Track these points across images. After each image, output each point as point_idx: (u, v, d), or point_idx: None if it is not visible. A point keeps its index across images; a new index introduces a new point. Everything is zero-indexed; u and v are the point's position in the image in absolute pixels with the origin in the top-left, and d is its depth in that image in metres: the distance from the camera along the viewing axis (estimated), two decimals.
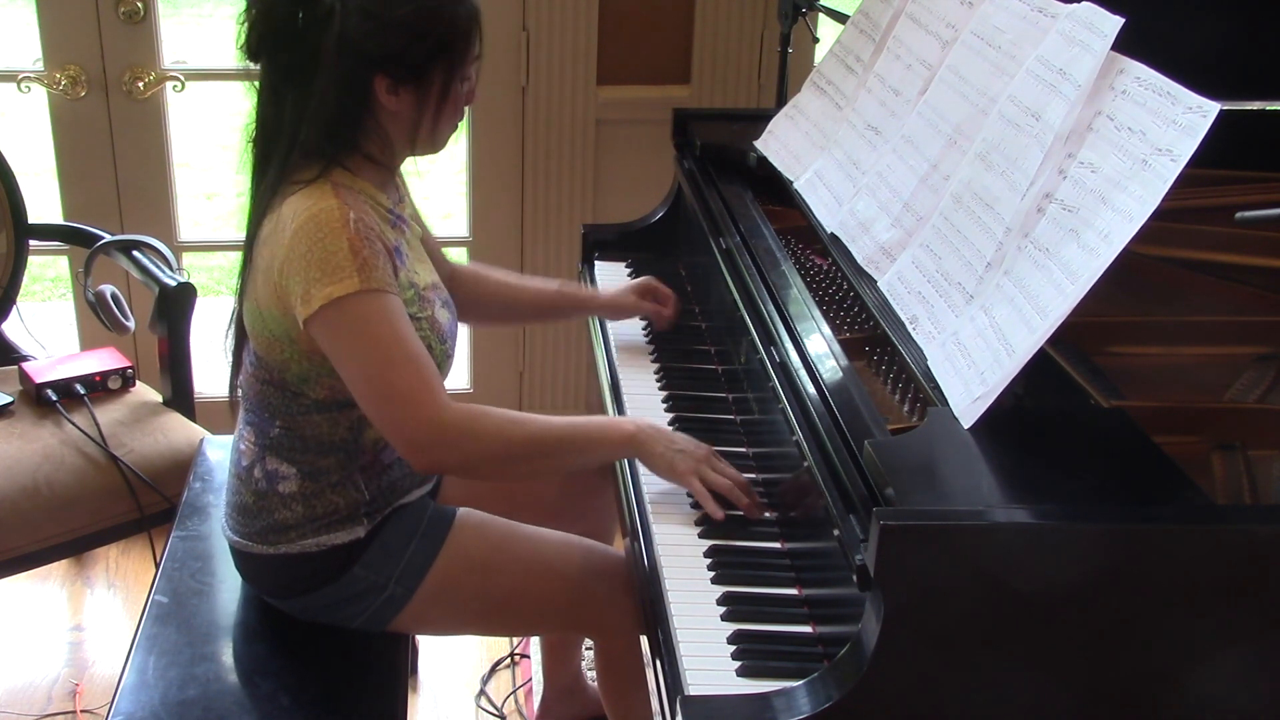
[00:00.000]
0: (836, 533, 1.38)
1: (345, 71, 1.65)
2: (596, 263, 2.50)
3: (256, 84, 1.72)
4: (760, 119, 2.32)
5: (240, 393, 1.84)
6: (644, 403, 2.01)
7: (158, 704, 1.69)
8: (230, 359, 1.86)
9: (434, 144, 1.78)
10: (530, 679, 2.57)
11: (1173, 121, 1.32)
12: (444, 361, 1.81)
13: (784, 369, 1.68)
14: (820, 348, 1.67)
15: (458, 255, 3.15)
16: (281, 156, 1.70)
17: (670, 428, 1.84)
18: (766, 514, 1.71)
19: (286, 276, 1.65)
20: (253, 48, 1.68)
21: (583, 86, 3.03)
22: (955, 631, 1.23)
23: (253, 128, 1.74)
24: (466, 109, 1.79)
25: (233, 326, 1.83)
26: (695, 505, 1.72)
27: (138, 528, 2.32)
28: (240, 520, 1.83)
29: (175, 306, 2.46)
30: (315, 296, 1.62)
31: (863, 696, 1.22)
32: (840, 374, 1.59)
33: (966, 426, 1.37)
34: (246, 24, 1.68)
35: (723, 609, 1.52)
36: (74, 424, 2.35)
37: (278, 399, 1.76)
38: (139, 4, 2.85)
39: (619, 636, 1.90)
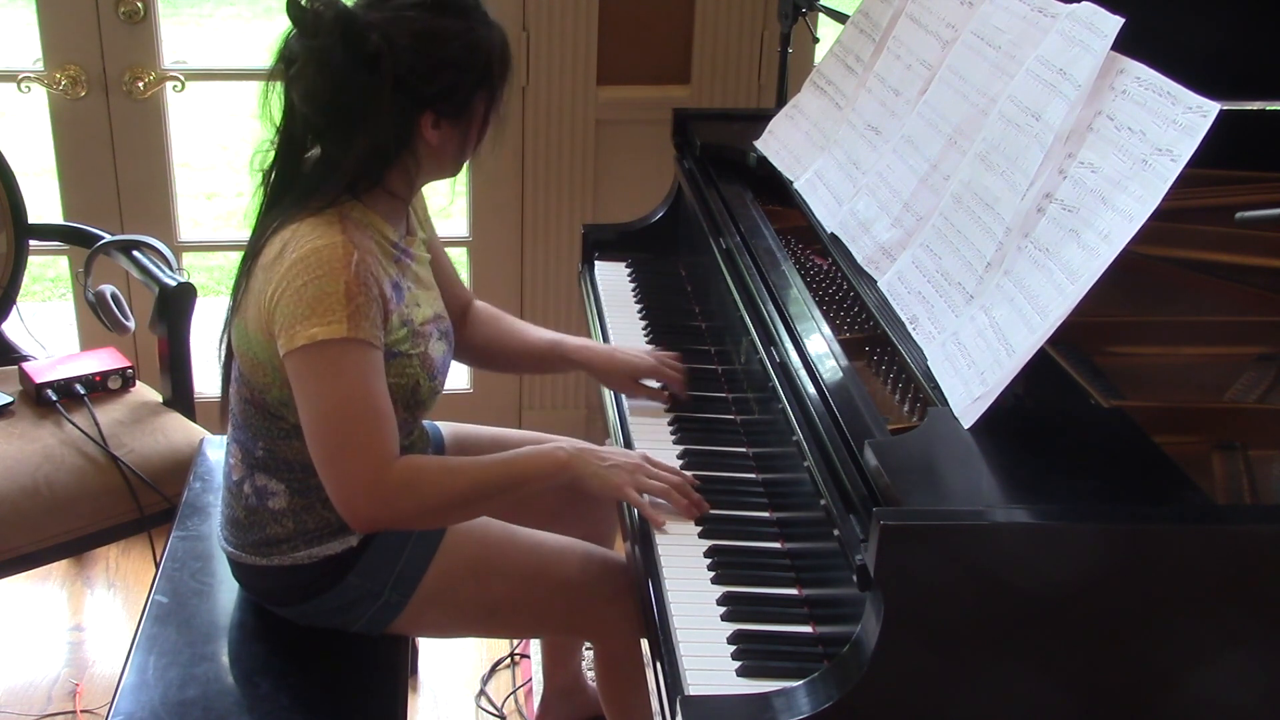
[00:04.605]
0: (836, 533, 1.38)
1: (396, 111, 1.64)
2: (596, 263, 2.50)
3: (274, 116, 1.69)
4: (760, 119, 2.32)
5: (230, 405, 1.83)
6: (643, 402, 2.00)
7: (158, 704, 1.69)
8: (220, 370, 1.84)
9: (457, 169, 1.79)
10: (530, 679, 2.57)
11: (1173, 121, 1.32)
12: (430, 399, 1.80)
13: (784, 369, 1.68)
14: (820, 348, 1.67)
15: (457, 255, 3.15)
16: (305, 190, 1.67)
17: (604, 445, 1.81)
18: (766, 514, 1.71)
19: (275, 304, 1.62)
20: (301, 91, 1.64)
21: (583, 86, 3.03)
22: (955, 631, 1.23)
23: (271, 156, 1.71)
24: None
25: (224, 340, 1.80)
26: None
27: (138, 528, 2.32)
28: (234, 533, 1.83)
29: (175, 306, 2.46)
30: (300, 333, 1.60)
31: (863, 696, 1.22)
32: (840, 374, 1.59)
33: (966, 426, 1.37)
34: (289, 78, 1.65)
35: (723, 609, 1.52)
36: (74, 424, 2.35)
37: (259, 420, 1.75)
38: (139, 4, 2.85)
39: (619, 639, 1.90)
